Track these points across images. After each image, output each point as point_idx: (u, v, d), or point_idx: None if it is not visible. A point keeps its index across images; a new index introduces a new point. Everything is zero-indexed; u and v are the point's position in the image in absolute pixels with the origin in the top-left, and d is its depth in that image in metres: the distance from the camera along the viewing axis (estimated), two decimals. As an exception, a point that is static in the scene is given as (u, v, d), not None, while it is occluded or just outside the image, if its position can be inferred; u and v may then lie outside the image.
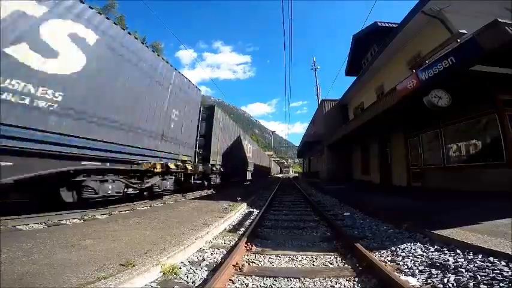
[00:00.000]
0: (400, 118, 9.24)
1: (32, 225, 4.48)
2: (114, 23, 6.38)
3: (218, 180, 12.90)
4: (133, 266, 2.45)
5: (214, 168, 12.16)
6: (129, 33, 6.94)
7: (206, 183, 11.82)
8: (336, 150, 17.79)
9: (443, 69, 5.39)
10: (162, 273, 2.53)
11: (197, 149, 10.55)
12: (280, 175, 60.87)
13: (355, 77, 15.55)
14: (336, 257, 3.22)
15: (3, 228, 4.02)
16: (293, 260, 3.19)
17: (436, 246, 3.22)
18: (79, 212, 5.57)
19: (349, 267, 2.88)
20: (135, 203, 7.33)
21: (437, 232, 3.51)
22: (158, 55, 8.21)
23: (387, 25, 12.70)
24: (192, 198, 9.52)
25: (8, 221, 4.30)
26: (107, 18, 6.14)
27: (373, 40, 14.09)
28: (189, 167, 9.43)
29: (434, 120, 8.40)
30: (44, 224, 4.64)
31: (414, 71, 6.40)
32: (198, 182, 10.97)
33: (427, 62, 6.25)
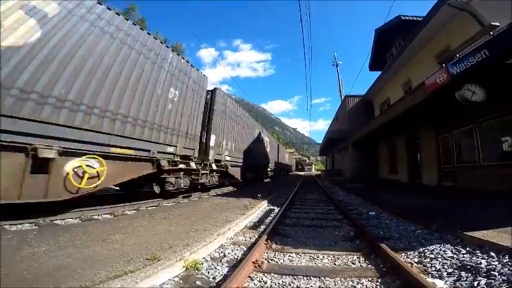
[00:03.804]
0: (430, 114, 8.77)
1: (68, 220, 4.83)
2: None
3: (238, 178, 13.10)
4: (159, 260, 2.55)
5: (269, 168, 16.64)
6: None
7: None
8: (360, 147, 17.25)
9: (476, 63, 5.08)
10: (185, 268, 2.62)
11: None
12: (302, 173, 60.12)
13: (380, 72, 15.02)
14: (359, 257, 3.14)
15: (42, 222, 4.37)
16: (314, 258, 3.15)
17: (468, 249, 3.04)
18: (109, 207, 5.92)
19: (373, 267, 2.80)
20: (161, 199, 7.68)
21: (469, 234, 3.30)
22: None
23: (412, 18, 12.31)
24: (214, 196, 9.73)
25: (46, 216, 4.65)
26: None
27: (397, 34, 13.66)
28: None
29: (467, 116, 7.87)
30: (78, 219, 4.98)
31: (444, 65, 6.05)
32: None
33: (457, 55, 5.87)
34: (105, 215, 5.51)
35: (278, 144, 30.46)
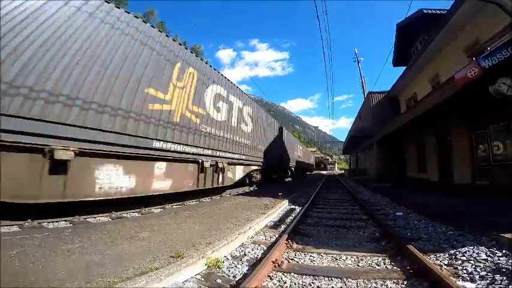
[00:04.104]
0: (461, 110, 8.25)
1: (100, 218, 5.14)
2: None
3: (259, 177, 13.06)
4: (182, 258, 2.63)
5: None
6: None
7: (248, 180, 11.97)
8: (386, 145, 16.56)
9: (510, 56, 4.78)
10: (206, 266, 2.69)
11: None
12: (324, 172, 58.79)
13: (405, 68, 14.49)
14: (385, 259, 3.03)
15: (76, 220, 4.69)
16: (336, 259, 3.10)
17: (504, 251, 2.83)
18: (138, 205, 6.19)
19: (398, 269, 2.69)
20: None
21: (507, 235, 3.06)
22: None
23: (434, 12, 12.05)
24: (236, 195, 9.85)
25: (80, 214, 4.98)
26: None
27: (419, 28, 13.34)
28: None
29: (504, 112, 7.28)
30: (108, 217, 5.29)
31: (474, 58, 5.71)
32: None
33: (488, 48, 5.52)
34: (134, 213, 5.78)
35: (299, 143, 30.11)
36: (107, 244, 3.13)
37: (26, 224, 4.05)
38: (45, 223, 4.26)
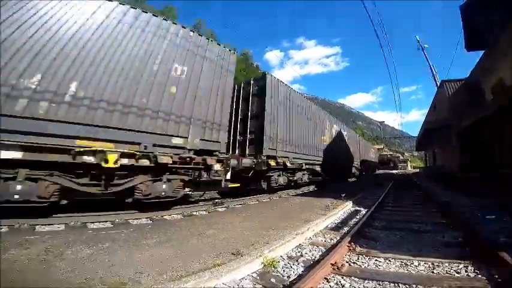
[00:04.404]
0: None
1: (173, 215, 5.76)
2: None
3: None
4: (242, 256, 2.79)
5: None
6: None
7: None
8: (470, 138, 14.03)
9: None
10: (263, 265, 2.76)
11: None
12: (395, 171, 52.37)
13: (482, 52, 12.13)
14: (467, 266, 2.63)
15: (155, 217, 5.37)
16: (406, 265, 2.81)
17: None
18: (206, 205, 6.75)
19: (483, 278, 2.32)
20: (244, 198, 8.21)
21: None
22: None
23: None
24: (294, 195, 9.74)
25: (158, 211, 5.65)
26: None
27: (487, 7, 11.28)
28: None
29: None
30: (181, 214, 5.87)
31: None
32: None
33: None
34: (202, 212, 6.29)
35: (363, 141, 28.01)
36: (179, 240, 3.52)
37: (117, 220, 4.84)
38: (130, 220, 5.00)
